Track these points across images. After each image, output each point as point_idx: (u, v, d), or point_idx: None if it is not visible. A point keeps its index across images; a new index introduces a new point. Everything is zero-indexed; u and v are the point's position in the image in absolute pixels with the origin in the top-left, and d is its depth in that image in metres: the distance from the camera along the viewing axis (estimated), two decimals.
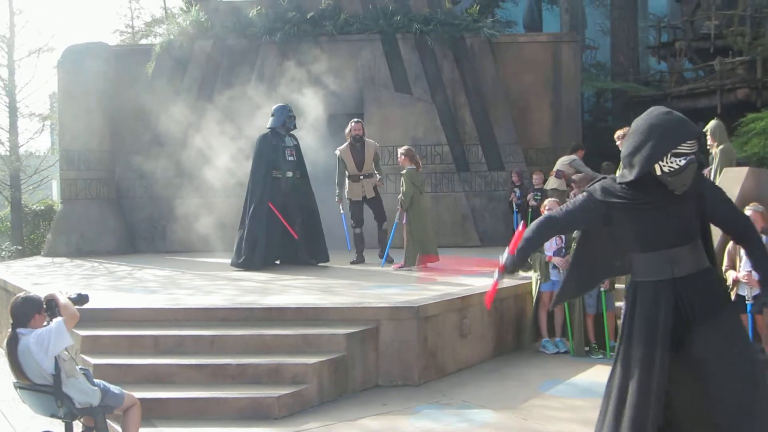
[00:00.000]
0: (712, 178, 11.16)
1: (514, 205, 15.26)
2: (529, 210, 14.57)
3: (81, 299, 5.83)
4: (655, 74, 25.50)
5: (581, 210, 4.64)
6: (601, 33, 27.90)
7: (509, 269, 4.83)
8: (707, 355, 4.31)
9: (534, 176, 15.15)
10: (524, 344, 9.31)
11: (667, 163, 4.27)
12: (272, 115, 12.38)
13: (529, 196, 14.76)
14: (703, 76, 22.08)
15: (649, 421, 4.40)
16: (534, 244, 4.90)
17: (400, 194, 11.61)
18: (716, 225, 4.57)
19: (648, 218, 4.44)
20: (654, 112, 4.45)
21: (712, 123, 11.45)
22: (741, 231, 4.53)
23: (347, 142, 12.60)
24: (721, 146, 11.12)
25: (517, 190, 15.39)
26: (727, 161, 11.03)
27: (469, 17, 17.17)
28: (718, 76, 20.23)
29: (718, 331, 4.35)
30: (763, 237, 6.25)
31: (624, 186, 4.45)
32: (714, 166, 11.13)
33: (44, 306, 5.57)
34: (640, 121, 4.47)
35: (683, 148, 4.26)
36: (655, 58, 25.86)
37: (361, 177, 12.55)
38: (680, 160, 4.25)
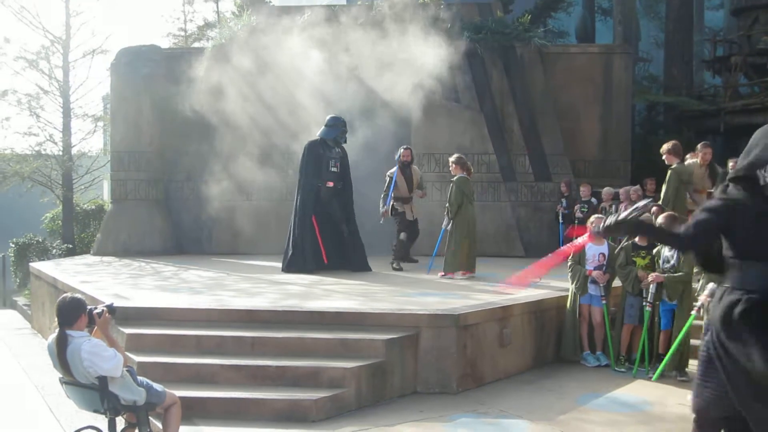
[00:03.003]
0: None
1: (561, 216, 15.14)
2: (575, 222, 14.45)
3: (112, 310, 5.95)
4: (709, 88, 25.11)
5: (725, 217, 4.37)
6: (654, 45, 27.58)
7: (612, 228, 4.73)
8: None
9: (581, 188, 15.01)
10: (564, 356, 9.22)
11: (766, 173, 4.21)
12: (326, 125, 12.57)
13: (576, 208, 14.63)
14: (759, 91, 21.69)
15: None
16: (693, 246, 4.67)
17: (447, 202, 11.66)
18: None
19: (758, 224, 4.27)
20: None
21: None
22: None
23: (397, 167, 12.99)
24: None
25: (564, 200, 15.27)
26: None
27: (520, 26, 17.10)
28: None
29: None
30: None
31: (738, 188, 4.35)
32: None
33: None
34: (759, 131, 4.44)
35: None
36: (710, 72, 25.48)
37: (410, 199, 13.12)
38: None
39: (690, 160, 11.92)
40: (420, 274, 12.11)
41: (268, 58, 14.19)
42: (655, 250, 8.78)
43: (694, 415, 4.70)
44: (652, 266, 8.78)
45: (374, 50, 13.90)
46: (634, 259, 8.91)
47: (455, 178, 11.62)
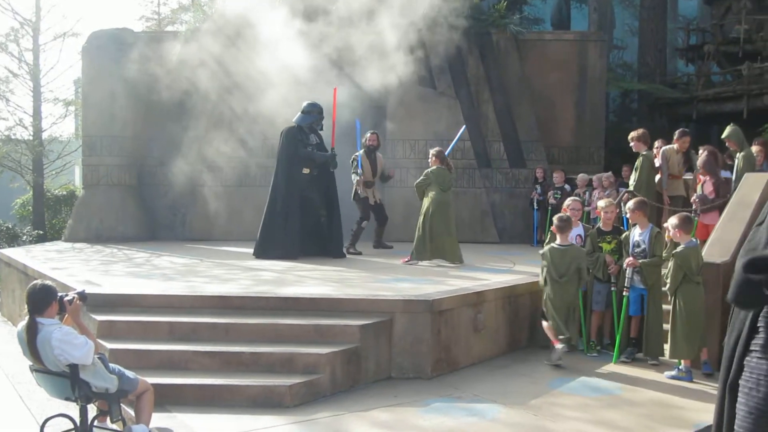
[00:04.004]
0: (736, 186, 11.10)
1: (535, 203, 15.22)
2: (549, 208, 14.55)
3: (83, 297, 5.92)
4: (682, 77, 25.28)
5: None
6: (629, 33, 27.70)
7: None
8: None
9: (555, 175, 15.11)
10: (538, 341, 9.26)
11: None
12: (302, 112, 12.51)
13: (550, 194, 14.73)
14: (731, 80, 21.86)
15: None
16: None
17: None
18: None
19: None
20: None
21: (732, 129, 11.35)
22: None
23: (363, 150, 13.38)
24: (743, 152, 11.05)
25: (538, 187, 15.36)
26: (750, 167, 10.97)
27: (496, 13, 17.12)
28: (745, 81, 20.01)
29: None
30: None
31: None
32: (737, 173, 11.06)
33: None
34: None
35: None
36: (683, 60, 25.65)
37: (373, 183, 13.52)
38: None
39: (671, 146, 12.00)
40: (394, 260, 12.11)
41: (242, 43, 14.08)
42: (623, 236, 8.84)
43: None
44: (618, 251, 8.83)
45: (350, 35, 13.84)
46: (600, 245, 8.97)
47: (430, 168, 11.69)
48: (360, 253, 12.87)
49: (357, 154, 13.42)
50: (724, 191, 10.54)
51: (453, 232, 11.69)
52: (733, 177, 11.11)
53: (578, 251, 8.71)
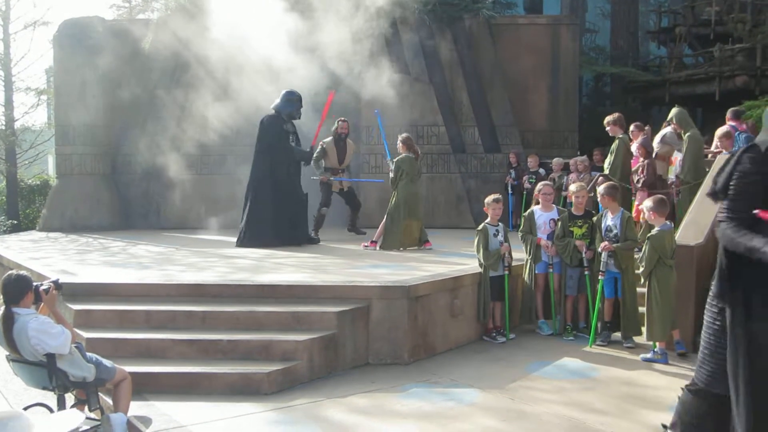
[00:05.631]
0: (680, 166, 11.29)
1: (510, 187, 15.28)
2: (524, 192, 14.62)
3: (58, 286, 5.92)
4: (654, 59, 25.49)
5: (752, 185, 4.10)
6: (601, 16, 27.85)
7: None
8: None
9: (529, 159, 15.18)
10: (515, 325, 9.34)
11: None
12: (280, 99, 12.44)
13: (524, 179, 14.79)
14: (703, 62, 22.07)
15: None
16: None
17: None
18: None
19: None
20: None
21: (676, 110, 11.56)
22: None
23: (332, 137, 13.39)
24: (688, 133, 11.22)
25: (512, 171, 15.42)
26: (696, 148, 11.15)
27: None
28: (717, 63, 20.21)
29: None
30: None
31: None
32: (683, 154, 11.25)
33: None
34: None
35: None
36: (655, 43, 25.84)
37: (340, 171, 13.55)
38: None
39: (664, 129, 12.09)
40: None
41: (214, 29, 14.00)
42: (595, 218, 8.91)
43: (688, 385, 4.58)
44: (589, 235, 8.89)
45: (321, 22, 13.79)
46: (571, 229, 9.00)
47: (399, 157, 11.71)
48: (318, 241, 12.74)
49: (327, 139, 13.42)
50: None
51: (420, 217, 11.91)
52: (680, 158, 11.32)
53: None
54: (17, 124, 22.77)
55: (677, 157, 11.60)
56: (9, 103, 22.38)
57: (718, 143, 11.66)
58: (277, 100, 12.50)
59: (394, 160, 11.82)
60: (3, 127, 22.17)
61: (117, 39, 16.84)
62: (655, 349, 7.94)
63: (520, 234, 9.40)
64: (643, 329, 8.24)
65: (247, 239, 12.27)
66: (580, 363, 7.84)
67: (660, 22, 25.29)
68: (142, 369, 6.88)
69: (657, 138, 12.09)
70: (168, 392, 6.81)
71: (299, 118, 12.67)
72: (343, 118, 13.70)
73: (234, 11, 13.57)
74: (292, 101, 12.44)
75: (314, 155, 13.11)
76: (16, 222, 20.91)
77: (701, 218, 8.79)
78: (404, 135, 12.16)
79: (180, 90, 15.90)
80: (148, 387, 6.78)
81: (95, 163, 16.78)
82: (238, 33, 13.03)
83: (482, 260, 8.94)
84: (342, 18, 13.97)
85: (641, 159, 11.42)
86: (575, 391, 6.89)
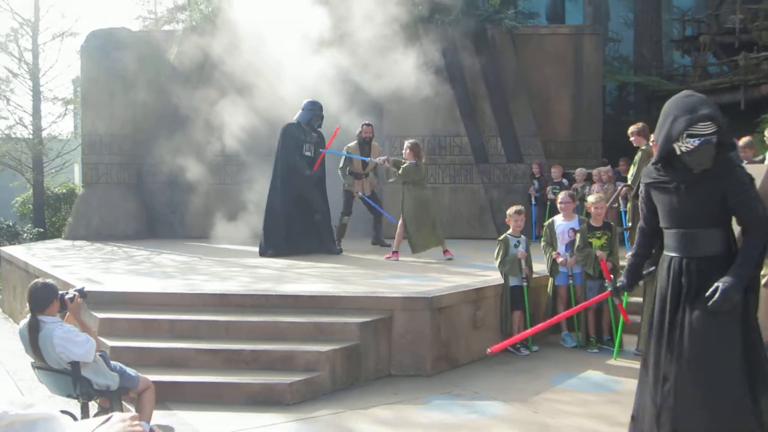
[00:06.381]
0: None
1: (533, 198, 15.24)
2: (548, 203, 14.56)
3: (83, 294, 5.97)
4: (678, 68, 25.30)
5: (645, 200, 4.95)
6: (624, 25, 27.69)
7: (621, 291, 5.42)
8: (688, 342, 4.56)
9: (553, 169, 15.12)
10: (539, 337, 9.29)
11: (683, 143, 4.51)
12: (302, 109, 12.52)
13: (548, 189, 14.73)
14: (727, 71, 21.89)
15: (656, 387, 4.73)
16: (639, 259, 5.20)
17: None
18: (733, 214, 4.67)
19: (670, 197, 4.69)
20: (677, 95, 4.77)
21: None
22: (744, 227, 4.62)
23: (356, 141, 13.22)
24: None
25: (536, 182, 15.37)
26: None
27: (491, 8, 17.12)
28: (742, 72, 20.04)
29: (702, 322, 4.53)
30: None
31: (658, 166, 4.74)
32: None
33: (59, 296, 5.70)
34: (666, 104, 4.77)
35: (697, 129, 4.48)
36: (679, 51, 25.66)
37: (363, 176, 13.32)
38: (694, 141, 4.47)
39: None
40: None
41: (239, 41, 14.08)
42: (615, 231, 8.86)
43: None
44: (609, 247, 8.84)
45: (347, 32, 13.82)
46: (590, 240, 8.94)
47: (404, 164, 11.72)
48: (340, 251, 12.67)
49: (351, 144, 13.26)
50: None
51: (430, 222, 11.81)
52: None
53: None
54: (44, 134, 23.05)
55: None
56: (37, 113, 22.67)
57: (741, 153, 11.55)
58: (299, 110, 12.58)
59: (402, 167, 11.72)
60: (31, 137, 22.44)
61: (143, 50, 16.97)
62: None
63: (542, 244, 9.37)
64: None
65: (264, 248, 12.34)
66: (605, 376, 7.80)
67: (684, 30, 25.12)
68: (166, 378, 6.92)
69: None
70: (191, 402, 6.86)
71: (319, 126, 12.70)
72: (367, 122, 13.52)
73: (259, 22, 13.64)
74: (311, 110, 12.51)
75: (339, 165, 13.16)
76: (42, 230, 21.13)
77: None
78: (412, 141, 12.08)
79: (204, 100, 15.98)
80: (171, 396, 6.82)
81: (121, 172, 16.92)
82: (262, 43, 13.10)
83: (499, 267, 8.93)
84: (366, 29, 14.02)
85: None
86: (599, 404, 6.85)
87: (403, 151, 11.98)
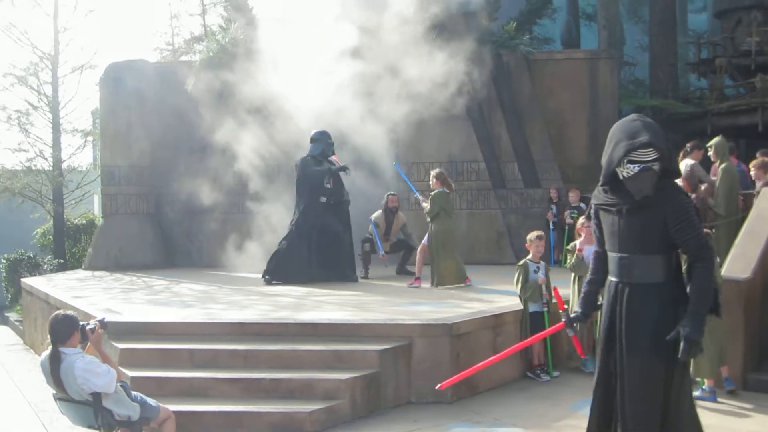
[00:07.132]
0: (716, 198, 11.03)
1: (551, 223, 15.19)
2: (566, 228, 14.51)
3: (103, 325, 6.00)
4: (695, 91, 25.22)
5: (596, 222, 4.91)
6: (639, 49, 27.70)
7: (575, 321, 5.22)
8: (619, 369, 4.68)
9: (570, 194, 15.09)
10: (559, 363, 9.23)
11: (624, 168, 4.46)
12: (312, 141, 12.62)
13: (566, 214, 14.69)
14: (744, 93, 21.81)
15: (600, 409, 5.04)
16: (594, 286, 5.12)
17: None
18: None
19: (613, 220, 4.66)
20: (624, 118, 4.71)
21: (716, 140, 11.32)
22: (690, 257, 4.54)
23: (381, 210, 13.48)
24: (723, 165, 10.98)
25: (553, 207, 15.34)
26: (729, 180, 10.90)
27: (506, 34, 17.18)
28: (759, 94, 19.94)
29: (632, 352, 4.59)
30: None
31: (606, 189, 4.69)
32: (717, 186, 11.01)
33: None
34: (613, 126, 4.73)
35: (637, 156, 4.42)
36: (695, 74, 25.60)
37: (387, 240, 13.53)
38: (634, 167, 4.43)
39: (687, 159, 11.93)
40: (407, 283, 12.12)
41: (257, 72, 14.20)
42: None
43: None
44: None
45: (364, 61, 13.91)
46: None
47: (434, 192, 11.71)
48: (357, 279, 12.72)
49: (376, 214, 13.49)
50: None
51: (455, 257, 11.85)
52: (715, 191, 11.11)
53: None
54: (64, 165, 23.25)
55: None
56: (57, 145, 22.88)
57: (753, 173, 11.48)
58: (311, 144, 12.69)
59: (430, 195, 11.80)
60: (51, 168, 22.63)
61: (161, 81, 17.15)
62: (704, 387, 7.79)
63: (568, 266, 9.27)
64: (691, 366, 8.09)
65: (266, 274, 12.44)
66: None
67: (699, 53, 25.06)
68: (186, 408, 6.93)
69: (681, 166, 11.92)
70: (211, 431, 6.86)
71: (331, 153, 12.78)
72: (392, 192, 13.80)
73: (276, 52, 13.77)
74: (320, 140, 12.67)
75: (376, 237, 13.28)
76: (62, 261, 21.25)
77: (749, 251, 8.64)
78: (437, 170, 12.13)
79: (222, 130, 16.10)
80: (191, 426, 6.83)
81: (140, 202, 17.04)
82: (279, 73, 13.22)
83: (519, 293, 8.89)
84: (381, 55, 14.10)
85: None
86: None
87: (430, 182, 12.00)
